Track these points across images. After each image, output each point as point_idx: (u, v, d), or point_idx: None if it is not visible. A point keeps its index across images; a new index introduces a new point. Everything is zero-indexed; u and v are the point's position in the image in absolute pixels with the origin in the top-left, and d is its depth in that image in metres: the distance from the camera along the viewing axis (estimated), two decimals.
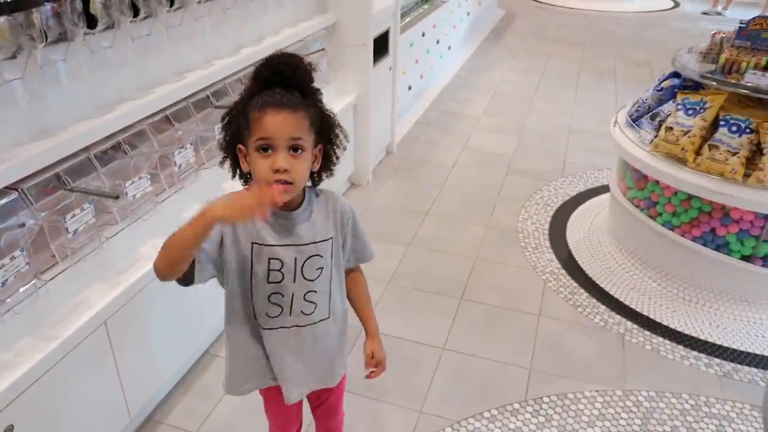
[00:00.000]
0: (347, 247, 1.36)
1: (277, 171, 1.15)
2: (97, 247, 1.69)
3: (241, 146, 1.23)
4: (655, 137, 2.58)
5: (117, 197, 1.65)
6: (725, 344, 2.41)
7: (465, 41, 6.45)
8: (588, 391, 2.18)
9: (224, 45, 2.35)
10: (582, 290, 2.72)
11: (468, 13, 6.43)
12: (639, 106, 2.87)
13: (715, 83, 2.50)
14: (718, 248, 2.47)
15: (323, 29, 3.09)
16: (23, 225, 1.47)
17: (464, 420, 2.05)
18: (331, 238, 1.30)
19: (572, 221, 3.26)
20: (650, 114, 2.76)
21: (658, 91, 2.84)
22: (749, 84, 2.39)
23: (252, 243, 1.23)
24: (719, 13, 8.45)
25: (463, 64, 5.89)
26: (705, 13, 8.63)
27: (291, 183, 1.18)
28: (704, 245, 2.49)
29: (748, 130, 2.35)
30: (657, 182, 2.58)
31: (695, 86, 2.66)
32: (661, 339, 2.44)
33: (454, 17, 5.75)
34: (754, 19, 2.57)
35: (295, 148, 1.17)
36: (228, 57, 2.32)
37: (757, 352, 2.38)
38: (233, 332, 1.35)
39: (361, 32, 3.21)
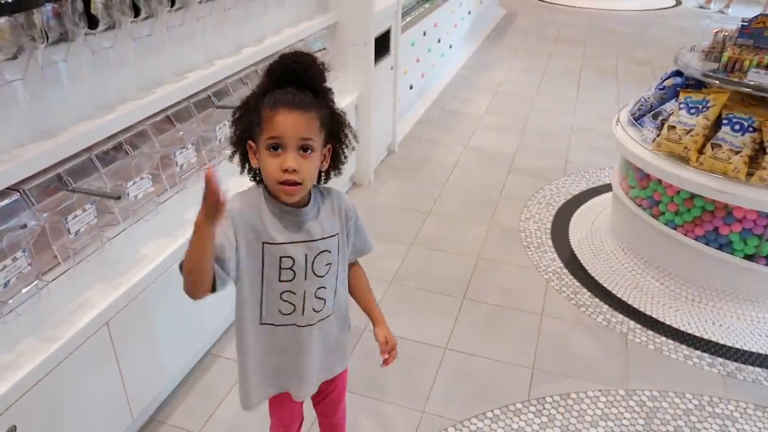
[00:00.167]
0: (350, 243, 1.39)
1: (286, 171, 1.17)
2: (99, 247, 1.69)
3: (251, 142, 1.24)
4: (658, 136, 2.57)
5: (119, 198, 1.65)
6: (728, 344, 2.41)
7: (466, 40, 6.44)
8: (591, 390, 2.18)
9: (225, 45, 2.35)
10: (584, 290, 2.72)
11: (469, 12, 6.42)
12: (641, 105, 2.87)
13: (717, 82, 2.49)
14: (721, 247, 2.46)
15: (324, 29, 3.08)
16: (25, 226, 1.47)
17: (467, 420, 2.05)
18: (338, 233, 1.33)
19: (574, 220, 3.25)
20: (653, 113, 2.75)
21: (660, 89, 2.83)
22: (752, 82, 2.38)
23: (263, 243, 1.25)
24: (721, 12, 8.43)
25: (465, 63, 5.89)
26: (701, 7, 8.65)
27: (300, 183, 1.19)
28: (707, 244, 2.48)
29: (750, 129, 2.34)
30: (659, 181, 2.57)
31: (698, 85, 2.65)
32: (664, 338, 2.43)
33: (456, 16, 5.74)
34: (756, 17, 2.56)
35: (304, 148, 1.18)
36: (229, 57, 2.31)
37: (761, 351, 2.37)
38: (243, 341, 1.36)
39: (363, 31, 3.21)
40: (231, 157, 1.31)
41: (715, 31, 2.75)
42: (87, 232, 1.63)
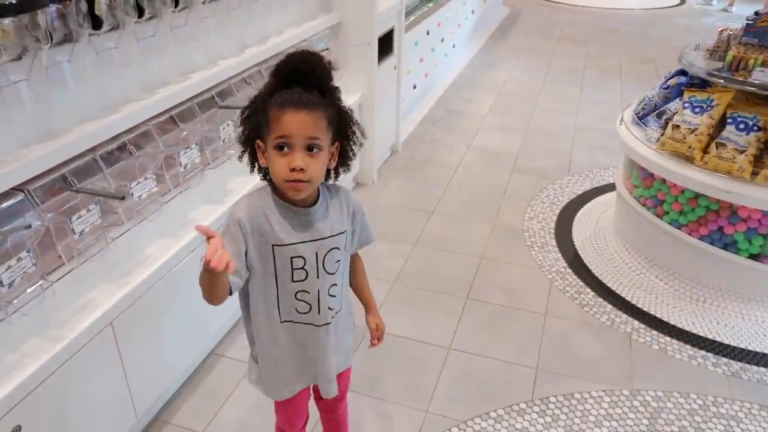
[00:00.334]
0: (355, 237, 1.41)
1: (293, 170, 1.18)
2: (104, 247, 1.69)
3: (259, 142, 1.25)
4: (662, 135, 2.56)
5: (123, 198, 1.66)
6: (733, 344, 2.40)
7: (470, 39, 6.43)
8: (595, 390, 2.17)
9: (229, 45, 2.35)
10: (588, 289, 2.71)
11: (473, 12, 6.41)
12: (645, 104, 2.86)
13: (722, 81, 2.48)
14: (725, 247, 2.45)
15: (328, 29, 3.08)
16: (30, 226, 1.47)
17: (470, 420, 2.04)
18: (346, 231, 1.34)
19: (578, 220, 3.25)
20: (657, 112, 2.74)
21: (664, 89, 2.82)
22: (757, 81, 2.37)
23: (272, 246, 1.26)
24: (725, 10, 8.40)
25: (468, 63, 5.88)
26: (705, 4, 8.64)
27: (307, 182, 1.20)
28: (712, 244, 2.48)
29: (755, 128, 2.34)
30: (664, 181, 2.56)
31: (702, 84, 2.64)
32: (668, 338, 2.43)
33: (459, 15, 5.73)
34: (761, 16, 2.55)
35: (312, 148, 1.19)
36: (232, 57, 2.32)
37: (766, 351, 2.36)
38: (261, 338, 1.37)
39: (366, 31, 3.21)
40: (240, 157, 1.32)
41: (719, 29, 2.74)
42: (91, 232, 1.64)
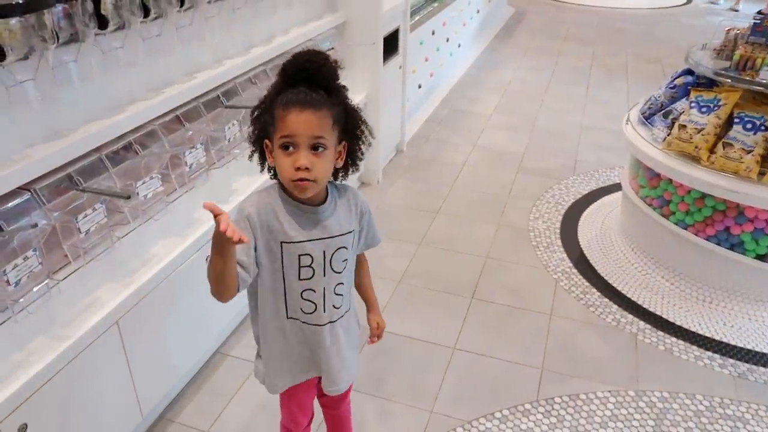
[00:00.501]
0: (362, 237, 1.41)
1: (298, 169, 1.18)
2: (109, 246, 1.70)
3: (267, 141, 1.25)
4: (668, 135, 2.55)
5: (128, 197, 1.66)
6: (740, 344, 2.39)
7: (475, 39, 6.42)
8: (600, 391, 2.17)
9: (234, 45, 2.35)
10: (594, 289, 2.70)
11: (478, 11, 6.40)
12: (651, 104, 2.85)
13: (729, 80, 2.47)
14: (732, 247, 2.44)
15: (333, 28, 3.08)
16: (36, 225, 1.48)
17: (475, 420, 2.04)
18: (353, 230, 1.35)
19: (584, 220, 3.24)
20: (663, 112, 2.73)
21: (671, 88, 2.81)
22: (764, 81, 2.36)
23: (281, 242, 1.26)
24: (733, 9, 8.36)
25: (474, 62, 5.87)
26: (711, 2, 8.60)
27: (313, 181, 1.21)
28: (718, 244, 2.46)
29: (763, 128, 2.32)
30: (670, 181, 2.55)
31: (709, 83, 2.63)
32: (674, 339, 2.41)
33: (464, 15, 5.72)
34: (767, 15, 2.53)
35: (317, 147, 1.20)
36: (238, 57, 2.32)
37: None
38: (268, 332, 1.38)
39: (371, 31, 3.21)
40: (250, 156, 1.33)
41: (726, 29, 2.72)
42: (97, 231, 1.64)
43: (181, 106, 2.02)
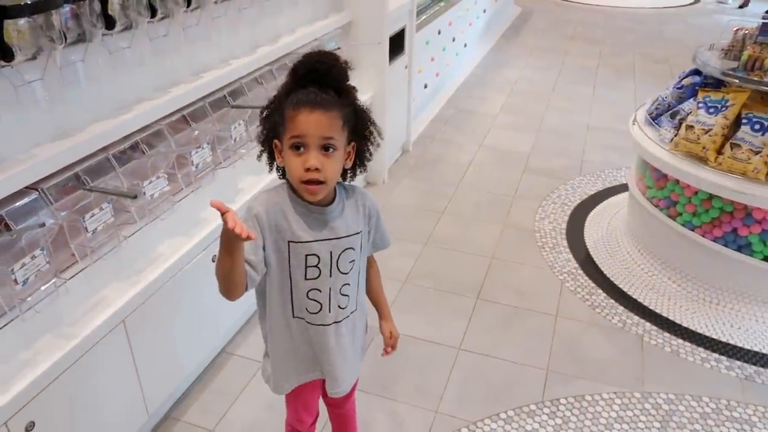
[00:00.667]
0: (370, 239, 1.41)
1: (308, 170, 1.19)
2: (116, 246, 1.71)
3: (276, 141, 1.26)
4: (676, 136, 2.54)
5: (135, 197, 1.67)
6: (747, 346, 2.37)
7: (481, 38, 6.41)
8: (606, 393, 2.16)
9: (240, 45, 2.36)
10: (600, 290, 2.69)
11: (484, 10, 6.39)
12: (659, 104, 2.83)
13: (737, 81, 2.45)
14: (739, 249, 2.43)
15: (339, 28, 3.08)
16: (43, 224, 1.49)
17: (480, 421, 2.04)
18: (361, 231, 1.35)
19: (590, 221, 3.23)
20: (670, 112, 2.72)
21: (678, 88, 2.79)
22: None
23: (288, 242, 1.27)
24: (741, 7, 8.32)
25: (480, 62, 5.86)
26: (720, 2, 8.56)
27: (323, 182, 1.21)
28: (725, 246, 2.45)
29: None
30: (677, 182, 2.54)
31: (717, 84, 2.61)
32: (680, 341, 2.40)
33: (470, 14, 5.71)
34: None
35: (326, 147, 1.20)
36: (244, 57, 2.33)
37: None
38: (274, 331, 1.38)
39: (377, 31, 3.21)
40: (259, 156, 1.33)
41: (734, 29, 2.71)
42: (104, 230, 1.65)
43: (187, 106, 2.02)
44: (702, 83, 2.69)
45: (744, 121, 2.36)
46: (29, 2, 1.31)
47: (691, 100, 2.65)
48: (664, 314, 2.54)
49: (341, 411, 1.68)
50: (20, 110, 1.47)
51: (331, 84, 1.20)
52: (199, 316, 2.03)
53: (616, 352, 2.35)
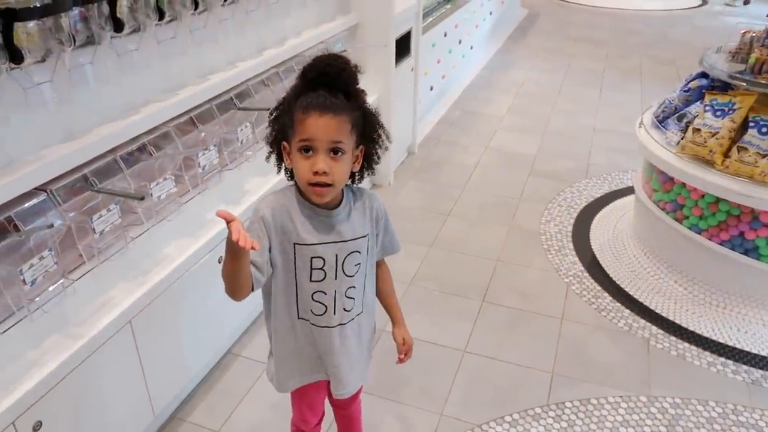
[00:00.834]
0: (379, 242, 1.41)
1: (316, 173, 1.19)
2: (123, 247, 1.72)
3: (285, 143, 1.26)
4: (682, 139, 2.53)
5: (142, 198, 1.68)
6: (754, 351, 2.36)
7: (488, 41, 6.41)
8: (612, 396, 2.15)
9: (247, 47, 2.37)
10: (606, 294, 2.68)
11: (491, 13, 6.39)
12: (665, 107, 2.82)
13: (744, 84, 2.44)
14: (747, 252, 2.41)
15: (345, 30, 3.09)
16: (52, 225, 1.50)
17: (485, 424, 2.04)
18: (368, 234, 1.35)
19: (596, 223, 3.22)
20: (677, 115, 2.71)
21: (685, 91, 2.78)
22: None
23: (294, 244, 1.27)
24: (746, 3, 8.30)
25: (486, 64, 5.86)
26: (727, 4, 8.53)
27: (330, 185, 1.21)
28: (732, 249, 2.44)
29: None
30: (684, 185, 2.53)
31: (724, 87, 2.60)
32: (687, 344, 2.39)
33: (477, 17, 5.71)
34: None
35: (335, 151, 1.20)
36: (251, 59, 2.33)
37: None
38: (279, 331, 1.39)
39: (383, 33, 3.21)
40: (267, 158, 1.34)
41: (742, 31, 2.70)
42: (111, 231, 1.66)
43: (194, 108, 2.03)
44: (709, 86, 2.68)
45: (751, 124, 2.35)
46: (39, 5, 1.32)
47: (698, 103, 2.64)
48: (671, 318, 2.53)
49: (347, 412, 1.68)
50: (29, 112, 1.48)
51: (340, 87, 1.20)
52: (205, 317, 2.04)
53: (622, 356, 2.34)
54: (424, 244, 3.02)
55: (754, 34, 2.64)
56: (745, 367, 2.29)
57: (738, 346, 2.38)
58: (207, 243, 1.95)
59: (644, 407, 2.11)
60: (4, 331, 1.42)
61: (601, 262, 2.89)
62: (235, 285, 1.20)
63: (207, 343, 2.14)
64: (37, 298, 1.46)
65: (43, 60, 1.41)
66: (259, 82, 2.39)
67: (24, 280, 1.41)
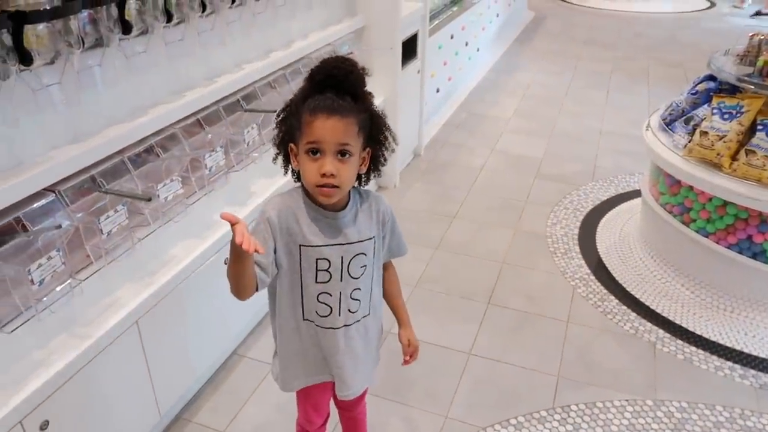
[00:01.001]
0: (385, 244, 1.41)
1: (324, 175, 1.19)
2: (130, 248, 1.73)
3: (292, 145, 1.27)
4: (690, 142, 2.52)
5: (149, 199, 1.69)
6: (762, 355, 2.34)
7: (494, 43, 6.41)
8: (617, 400, 2.14)
9: (254, 49, 2.38)
10: (612, 297, 2.67)
11: (497, 15, 6.39)
12: (672, 110, 2.82)
13: (752, 87, 2.43)
14: (754, 256, 2.40)
15: (352, 33, 3.10)
16: (60, 226, 1.51)
17: (490, 426, 2.03)
18: (374, 237, 1.35)
19: (602, 226, 3.21)
20: (684, 118, 2.70)
21: (692, 94, 2.77)
22: None
23: (300, 246, 1.28)
24: (760, 13, 8.24)
25: (492, 66, 5.86)
26: (735, 7, 8.50)
27: (337, 187, 1.22)
28: (740, 253, 2.42)
29: None
30: (691, 188, 2.52)
31: (732, 90, 2.59)
32: (694, 348, 2.38)
33: (483, 19, 5.72)
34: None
35: (342, 153, 1.21)
36: (258, 61, 2.34)
37: None
38: (284, 332, 1.40)
39: (390, 35, 3.22)
40: (274, 159, 1.34)
41: (750, 34, 2.69)
42: (118, 232, 1.67)
43: (201, 110, 2.04)
44: (717, 89, 2.67)
45: (759, 127, 2.33)
46: (48, 8, 1.34)
47: (706, 105, 2.63)
48: (677, 321, 2.52)
49: (352, 414, 1.68)
50: (38, 113, 1.49)
51: (348, 90, 1.20)
52: (211, 318, 2.04)
53: (629, 359, 2.33)
54: (429, 247, 3.02)
55: (762, 37, 2.63)
56: (752, 371, 2.27)
57: (745, 350, 2.37)
58: (213, 244, 1.96)
59: (650, 411, 2.10)
60: (12, 331, 1.43)
61: (607, 265, 2.88)
62: (240, 285, 1.21)
63: (213, 343, 2.14)
64: (44, 298, 1.47)
65: (52, 62, 1.43)
66: (266, 84, 2.40)
67: (32, 280, 1.42)
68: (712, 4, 8.97)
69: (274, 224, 1.26)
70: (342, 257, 1.30)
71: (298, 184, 1.32)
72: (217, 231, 2.00)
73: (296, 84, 2.41)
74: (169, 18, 1.77)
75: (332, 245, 1.29)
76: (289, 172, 1.34)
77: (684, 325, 2.50)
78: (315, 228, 1.28)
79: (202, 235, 1.97)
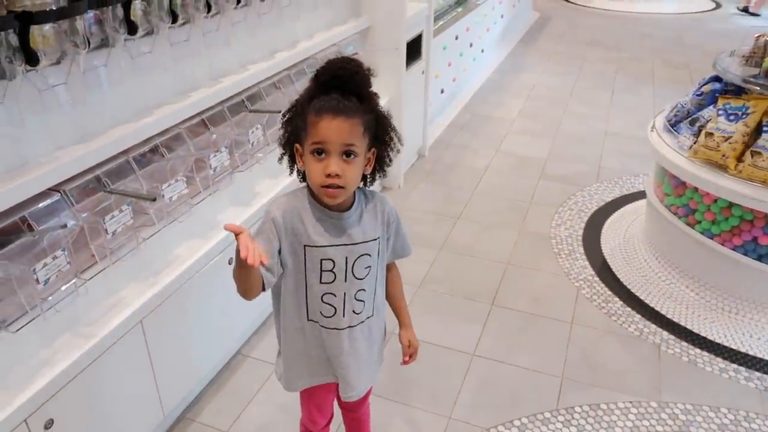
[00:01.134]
0: (389, 245, 1.42)
1: (329, 175, 1.20)
2: (134, 247, 1.73)
3: (297, 145, 1.27)
4: (695, 143, 2.51)
5: (154, 199, 1.69)
6: (767, 357, 2.33)
7: (499, 44, 6.40)
8: (622, 402, 2.14)
9: (259, 50, 2.38)
10: (616, 298, 2.67)
11: (502, 16, 6.38)
12: (678, 111, 2.81)
13: (758, 88, 2.42)
14: (760, 258, 2.39)
15: (356, 33, 3.10)
16: (65, 226, 1.51)
17: (494, 428, 2.03)
18: (379, 237, 1.35)
19: (607, 228, 3.20)
20: (689, 119, 2.69)
21: (697, 95, 2.77)
22: None
23: (304, 246, 1.28)
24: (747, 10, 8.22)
25: (497, 67, 5.85)
26: (742, 11, 8.46)
27: (342, 187, 1.22)
28: (745, 254, 2.41)
29: None
30: (696, 189, 2.51)
31: (737, 91, 2.58)
32: (698, 350, 2.37)
33: (488, 20, 5.71)
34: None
35: (348, 154, 1.21)
36: (263, 62, 2.35)
37: None
38: (288, 332, 1.40)
39: (394, 36, 3.22)
40: (280, 159, 1.35)
41: (756, 35, 2.68)
42: (123, 232, 1.68)
43: (206, 110, 2.05)
44: (722, 90, 2.66)
45: (765, 128, 2.32)
46: (54, 8, 1.34)
47: (711, 107, 2.62)
48: (682, 323, 2.51)
49: (355, 415, 1.68)
50: (44, 113, 1.50)
51: (353, 90, 1.20)
52: (215, 318, 2.05)
53: (633, 361, 2.33)
54: (433, 247, 3.02)
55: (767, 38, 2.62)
56: (757, 373, 2.26)
57: (750, 352, 2.36)
58: (217, 244, 1.96)
59: (655, 413, 2.10)
60: (17, 330, 1.43)
61: (611, 267, 2.87)
62: (246, 287, 1.22)
63: (216, 343, 2.15)
64: (49, 297, 1.47)
65: (58, 62, 1.43)
66: (271, 84, 2.40)
67: (37, 279, 1.43)
68: (718, 5, 8.94)
69: (279, 224, 1.26)
70: (347, 258, 1.30)
71: (303, 184, 1.33)
72: (222, 231, 2.00)
73: (301, 84, 2.42)
74: (174, 18, 1.78)
75: (337, 246, 1.29)
76: (294, 173, 1.35)
77: (689, 327, 2.49)
78: (320, 228, 1.28)
79: (206, 235, 1.98)
